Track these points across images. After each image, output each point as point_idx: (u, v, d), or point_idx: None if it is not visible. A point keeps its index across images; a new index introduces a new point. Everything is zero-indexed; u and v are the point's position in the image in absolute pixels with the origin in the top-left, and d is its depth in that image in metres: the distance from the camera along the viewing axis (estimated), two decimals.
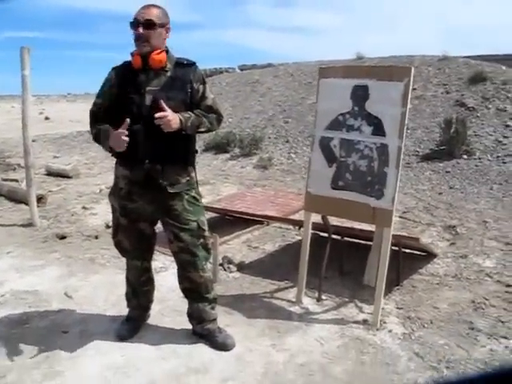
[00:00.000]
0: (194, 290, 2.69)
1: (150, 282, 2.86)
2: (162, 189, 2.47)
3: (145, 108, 2.38)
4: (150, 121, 2.31)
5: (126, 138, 2.31)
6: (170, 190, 2.48)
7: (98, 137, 2.49)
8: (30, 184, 5.06)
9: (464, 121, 7.19)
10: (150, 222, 2.66)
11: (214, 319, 2.76)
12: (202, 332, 2.75)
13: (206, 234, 2.63)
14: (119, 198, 2.58)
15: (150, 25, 2.35)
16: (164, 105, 2.32)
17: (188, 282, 2.68)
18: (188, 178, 2.56)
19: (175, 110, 2.36)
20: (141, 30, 2.33)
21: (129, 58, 2.47)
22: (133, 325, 2.83)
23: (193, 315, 2.77)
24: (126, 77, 2.44)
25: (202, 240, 2.59)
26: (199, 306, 2.71)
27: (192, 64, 2.50)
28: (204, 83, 2.52)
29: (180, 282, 2.74)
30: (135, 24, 2.35)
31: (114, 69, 2.52)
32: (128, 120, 2.31)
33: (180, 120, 2.36)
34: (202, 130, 2.52)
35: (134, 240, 2.66)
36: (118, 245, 2.74)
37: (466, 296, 3.26)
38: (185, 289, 2.74)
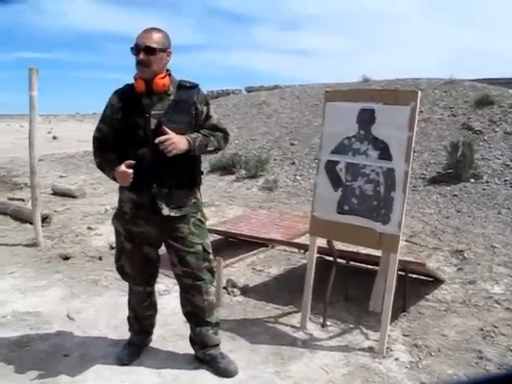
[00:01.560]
0: (197, 313, 2.64)
1: (152, 306, 2.82)
2: (162, 213, 2.45)
3: (150, 132, 2.37)
4: (156, 144, 2.30)
5: (131, 175, 2.33)
6: (177, 214, 2.47)
7: (103, 166, 2.52)
8: (35, 204, 5.06)
9: (471, 144, 7.17)
10: (155, 245, 2.63)
11: (217, 344, 2.71)
12: (205, 357, 2.70)
13: (211, 257, 2.61)
14: (124, 221, 2.56)
15: (150, 50, 2.35)
16: (167, 129, 2.32)
17: (191, 306, 2.64)
18: (194, 200, 2.55)
19: (181, 133, 2.36)
20: (141, 55, 2.34)
21: (131, 81, 2.47)
22: (134, 349, 2.79)
23: (195, 340, 2.72)
24: (129, 101, 2.44)
25: (206, 263, 2.57)
26: (202, 330, 2.66)
27: (195, 86, 2.50)
28: (207, 104, 2.53)
29: (183, 306, 2.70)
30: (136, 49, 2.36)
31: (116, 93, 2.50)
32: (133, 162, 2.33)
33: (187, 141, 2.36)
34: (210, 149, 2.52)
35: (137, 265, 2.63)
36: (120, 269, 2.71)
37: (475, 323, 3.20)
38: (187, 312, 2.70)
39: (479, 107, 8.70)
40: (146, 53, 2.34)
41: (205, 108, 2.50)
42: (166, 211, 2.44)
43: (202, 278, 2.56)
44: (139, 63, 2.36)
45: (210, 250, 2.60)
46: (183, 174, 2.47)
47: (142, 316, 2.79)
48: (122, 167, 2.32)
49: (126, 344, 2.83)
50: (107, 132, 2.50)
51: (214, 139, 2.50)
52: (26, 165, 6.84)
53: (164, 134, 2.31)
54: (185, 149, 2.35)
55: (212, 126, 2.52)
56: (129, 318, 2.84)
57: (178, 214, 2.47)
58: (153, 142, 2.32)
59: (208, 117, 2.51)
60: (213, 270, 2.63)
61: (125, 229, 2.56)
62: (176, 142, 2.31)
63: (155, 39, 2.37)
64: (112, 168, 2.40)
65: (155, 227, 2.51)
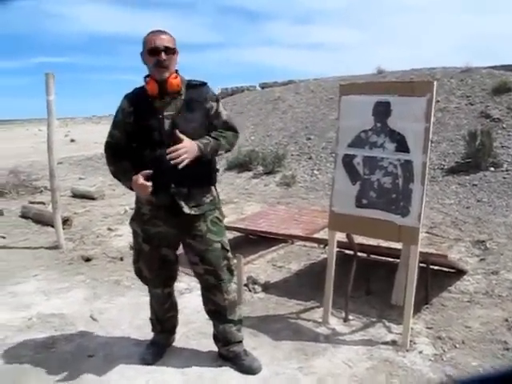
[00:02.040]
0: (219, 312, 2.66)
1: (173, 307, 2.84)
2: (183, 212, 2.46)
3: (165, 133, 2.38)
4: (173, 145, 2.31)
5: (150, 187, 2.34)
6: (196, 212, 2.48)
7: (118, 176, 2.53)
8: (55, 206, 5.13)
9: (489, 132, 7.06)
10: (173, 247, 2.64)
11: (240, 341, 2.73)
12: (228, 355, 2.71)
13: (230, 254, 2.62)
14: (142, 222, 2.57)
15: (170, 51, 2.37)
16: (179, 134, 2.32)
17: (212, 304, 2.66)
18: (211, 198, 2.57)
19: (195, 132, 2.39)
20: (164, 56, 2.35)
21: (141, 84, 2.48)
22: (157, 349, 2.81)
23: (218, 337, 2.74)
24: (140, 104, 2.44)
25: (226, 261, 2.58)
26: (225, 327, 2.68)
27: (204, 84, 2.51)
28: (217, 101, 2.54)
29: (205, 304, 2.72)
30: (156, 51, 2.35)
31: (126, 97, 2.49)
32: (149, 171, 2.34)
33: (199, 147, 2.36)
34: (221, 153, 2.52)
35: (155, 267, 2.63)
36: (138, 272, 2.73)
37: (499, 314, 3.15)
38: (210, 311, 2.71)
39: (497, 95, 8.56)
40: (166, 54, 2.36)
41: (214, 104, 2.50)
42: (186, 209, 2.46)
43: (222, 277, 2.57)
44: (159, 65, 2.36)
45: (229, 248, 2.61)
46: (200, 173, 2.47)
47: (163, 317, 2.81)
48: (141, 179, 2.32)
49: (149, 344, 2.85)
50: (120, 137, 2.50)
51: (224, 142, 2.50)
52: (45, 168, 6.94)
53: (177, 137, 2.32)
54: (196, 155, 2.35)
55: (223, 123, 2.53)
56: (151, 319, 2.86)
57: (198, 213, 2.49)
58: (168, 142, 2.33)
59: (217, 113, 2.51)
60: (232, 269, 2.63)
61: (143, 230, 2.57)
62: (188, 149, 2.31)
63: (170, 40, 2.39)
64: (128, 178, 2.40)
65: (173, 227, 2.52)
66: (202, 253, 2.54)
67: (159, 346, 2.82)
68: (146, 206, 2.53)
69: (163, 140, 2.37)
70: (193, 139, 2.36)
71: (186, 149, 2.31)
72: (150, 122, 2.40)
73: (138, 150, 2.41)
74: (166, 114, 2.40)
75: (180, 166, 2.29)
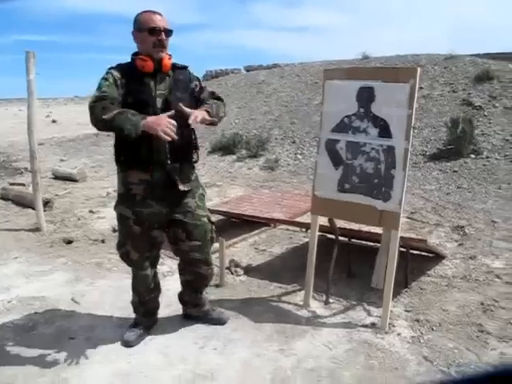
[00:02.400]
0: (198, 281, 2.84)
1: (157, 287, 2.87)
2: (178, 188, 2.53)
3: (158, 111, 2.40)
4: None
5: (175, 127, 2.27)
6: (187, 188, 2.58)
7: (118, 122, 2.24)
8: (36, 188, 5.07)
9: (471, 120, 7.14)
10: (163, 227, 2.65)
11: (208, 301, 2.99)
12: (198, 314, 2.93)
13: (213, 227, 2.76)
14: (133, 204, 2.53)
15: (169, 32, 2.45)
16: (183, 107, 2.36)
17: (192, 275, 2.81)
18: (195, 175, 2.69)
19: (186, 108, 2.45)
20: (164, 37, 2.41)
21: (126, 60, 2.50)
22: (140, 331, 2.81)
23: (189, 302, 2.93)
24: (132, 78, 2.43)
25: (210, 234, 2.72)
26: (199, 295, 2.90)
27: (186, 67, 2.61)
28: (198, 80, 2.65)
29: (182, 275, 2.86)
30: (157, 31, 2.39)
31: (116, 68, 2.44)
32: (172, 112, 2.32)
33: (206, 110, 2.43)
34: (221, 115, 2.61)
35: (145, 249, 2.64)
36: (126, 256, 2.68)
37: (475, 298, 3.23)
38: (187, 281, 2.86)
39: (479, 83, 8.64)
40: (166, 35, 2.43)
41: (197, 83, 2.62)
42: (181, 186, 2.54)
43: (207, 250, 2.73)
44: (159, 45, 2.41)
45: (213, 220, 2.76)
46: (189, 149, 2.58)
47: (147, 299, 2.83)
48: (166, 117, 2.27)
49: (131, 326, 2.85)
50: (114, 96, 2.35)
51: (221, 105, 2.63)
52: (25, 149, 6.84)
53: (181, 111, 2.36)
54: (210, 119, 2.43)
55: (209, 93, 2.65)
56: (133, 302, 2.86)
57: (189, 188, 2.59)
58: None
59: (202, 88, 2.63)
60: (213, 240, 2.78)
61: (134, 212, 2.54)
62: (201, 113, 2.37)
63: (167, 22, 2.45)
64: (136, 121, 2.23)
65: (166, 206, 2.55)
66: (191, 228, 2.62)
67: (141, 328, 2.83)
68: (139, 186, 2.50)
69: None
70: (183, 114, 2.40)
71: (200, 113, 2.36)
72: (144, 98, 2.41)
73: None
74: (158, 92, 2.45)
75: (197, 126, 2.35)
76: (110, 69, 2.45)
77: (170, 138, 2.25)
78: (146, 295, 2.81)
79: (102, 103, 2.30)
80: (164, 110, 2.39)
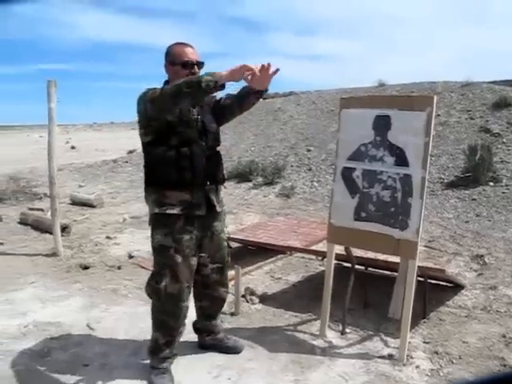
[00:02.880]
0: (215, 306, 2.85)
1: (185, 320, 2.69)
2: (215, 209, 2.58)
3: (200, 132, 2.50)
4: (206, 144, 2.50)
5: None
6: (220, 209, 2.64)
7: (190, 79, 2.25)
8: (54, 214, 5.13)
9: (489, 147, 7.09)
10: (196, 254, 2.58)
11: (223, 329, 2.99)
12: (213, 342, 2.91)
13: (229, 252, 2.81)
14: (173, 231, 2.46)
15: (201, 64, 2.51)
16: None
17: (210, 299, 2.81)
18: (222, 196, 2.72)
19: (216, 131, 2.61)
20: (197, 69, 2.47)
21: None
22: (170, 375, 2.62)
23: (203, 329, 2.92)
24: None
25: (228, 258, 2.78)
26: (212, 322, 2.89)
27: None
28: (213, 97, 2.68)
29: (199, 300, 2.83)
30: (190, 65, 2.46)
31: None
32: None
33: None
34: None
35: (187, 278, 2.53)
36: (163, 291, 2.49)
37: (497, 330, 3.14)
38: (204, 307, 2.84)
39: (497, 109, 8.61)
40: (198, 67, 2.49)
41: (214, 101, 2.67)
42: (218, 208, 2.60)
43: (226, 273, 2.79)
44: None
45: (230, 245, 2.87)
46: (222, 169, 2.66)
47: (178, 334, 2.65)
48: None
49: (160, 372, 2.60)
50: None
51: None
52: (45, 175, 6.95)
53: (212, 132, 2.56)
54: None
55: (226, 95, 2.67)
56: (157, 344, 2.62)
57: (220, 210, 2.65)
58: (201, 141, 2.49)
59: (218, 99, 2.68)
60: (228, 264, 2.81)
61: (175, 240, 2.46)
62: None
63: (198, 54, 2.52)
64: (212, 73, 2.20)
65: (201, 230, 2.56)
66: (215, 252, 2.68)
67: (171, 372, 2.63)
68: (176, 207, 2.44)
69: (198, 138, 2.49)
70: (216, 136, 2.60)
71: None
72: (187, 120, 2.47)
73: (174, 148, 2.42)
74: (195, 116, 2.52)
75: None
76: (149, 89, 2.41)
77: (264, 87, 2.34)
78: (178, 330, 2.63)
79: (158, 89, 2.33)
80: (202, 131, 2.51)
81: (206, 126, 2.54)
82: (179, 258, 2.46)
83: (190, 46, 2.50)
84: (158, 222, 2.50)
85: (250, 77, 2.23)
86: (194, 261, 2.55)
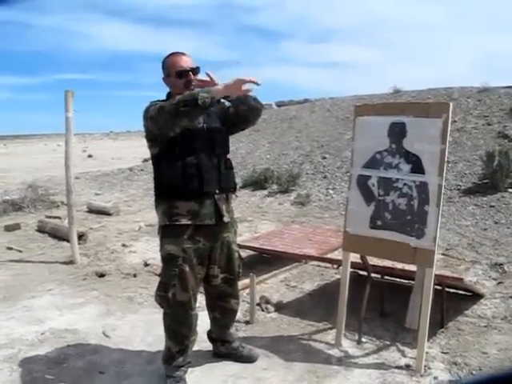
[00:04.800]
0: (227, 317, 2.83)
1: (196, 328, 2.72)
2: (221, 220, 2.54)
3: (205, 140, 2.48)
4: (213, 152, 2.48)
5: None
6: (228, 219, 2.59)
7: (187, 96, 2.29)
8: (71, 222, 5.19)
9: (507, 153, 6.98)
10: (205, 264, 2.59)
11: (237, 337, 2.98)
12: (228, 351, 2.89)
13: (241, 263, 2.78)
14: (182, 241, 2.47)
15: (195, 69, 2.51)
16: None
17: (222, 311, 2.79)
18: (232, 205, 2.69)
19: (224, 139, 2.58)
20: (193, 76, 2.48)
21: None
22: (185, 383, 2.62)
23: (218, 339, 2.90)
24: None
25: (239, 269, 2.75)
26: (227, 331, 2.87)
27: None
28: (219, 103, 2.62)
29: (212, 311, 2.83)
30: (184, 73, 2.47)
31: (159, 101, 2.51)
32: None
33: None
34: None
35: (194, 287, 2.55)
36: (171, 299, 2.51)
37: None
38: (217, 318, 2.83)
39: None
40: (194, 73, 2.50)
41: (220, 109, 2.63)
42: (226, 218, 2.56)
43: (237, 284, 2.77)
44: (189, 85, 2.46)
45: (242, 256, 2.83)
46: (233, 177, 2.64)
47: (192, 339, 2.67)
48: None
49: (174, 381, 2.60)
50: None
51: None
52: (62, 183, 7.03)
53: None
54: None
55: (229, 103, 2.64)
56: (170, 352, 2.64)
57: (229, 220, 2.60)
58: (208, 149, 2.47)
59: (226, 108, 2.64)
60: (240, 275, 2.79)
61: (183, 250, 2.47)
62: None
63: (192, 60, 2.53)
64: (205, 90, 2.29)
65: (210, 240, 2.55)
66: (225, 263, 2.65)
67: (185, 381, 2.63)
68: (185, 217, 2.45)
69: (205, 147, 2.47)
70: (224, 144, 2.58)
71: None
72: (193, 130, 2.46)
73: (180, 158, 2.42)
74: (200, 125, 2.51)
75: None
76: (153, 102, 2.47)
77: (254, 80, 2.29)
78: (190, 338, 2.64)
79: (159, 105, 2.36)
80: (208, 140, 2.48)
81: (213, 134, 2.52)
82: (187, 268, 2.48)
83: (183, 54, 2.52)
84: (166, 231, 2.53)
85: (247, 87, 2.30)
86: (201, 270, 2.56)
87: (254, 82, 2.29)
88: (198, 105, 2.22)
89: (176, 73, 2.47)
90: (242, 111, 2.58)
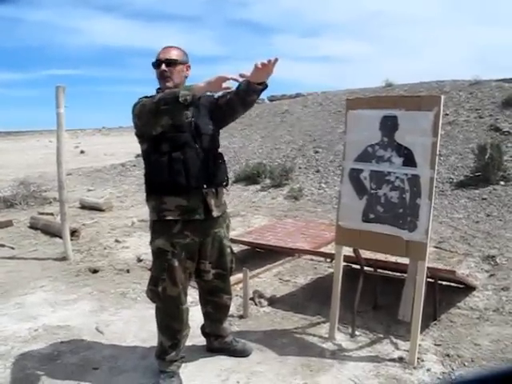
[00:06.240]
0: (220, 312, 2.84)
1: (187, 323, 2.71)
2: (212, 214, 2.53)
3: (194, 135, 2.48)
4: (201, 146, 2.46)
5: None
6: (219, 213, 2.58)
7: (167, 93, 2.31)
8: (63, 218, 5.16)
9: (499, 146, 7.01)
10: (194, 258, 2.59)
11: (230, 332, 2.98)
12: (221, 346, 2.90)
13: (234, 258, 2.78)
14: (170, 236, 2.48)
15: (171, 62, 2.47)
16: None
17: (214, 306, 2.80)
18: (224, 200, 2.68)
19: (213, 132, 2.56)
20: (163, 67, 2.45)
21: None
22: (179, 378, 2.62)
23: (211, 333, 2.91)
24: None
25: (231, 265, 2.75)
26: (221, 326, 2.88)
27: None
28: (212, 95, 2.61)
29: (204, 306, 2.84)
30: (158, 63, 2.48)
31: (147, 97, 2.49)
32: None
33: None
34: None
35: (183, 281, 2.55)
36: (162, 294, 2.52)
37: (510, 332, 3.10)
38: (209, 313, 2.84)
39: (507, 107, 8.53)
40: (167, 65, 2.46)
41: (212, 99, 2.61)
42: (215, 212, 2.55)
43: (228, 280, 2.78)
44: (162, 75, 2.47)
45: (234, 251, 2.83)
46: (223, 171, 2.61)
47: (184, 334, 2.65)
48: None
49: (167, 377, 2.59)
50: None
51: None
52: (54, 179, 6.98)
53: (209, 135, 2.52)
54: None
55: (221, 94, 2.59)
56: (164, 347, 2.63)
57: (220, 214, 2.59)
58: (195, 144, 2.46)
59: (216, 98, 2.60)
60: (232, 270, 2.80)
61: (172, 244, 2.48)
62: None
63: (174, 53, 2.50)
64: (192, 86, 2.28)
65: (199, 235, 2.54)
66: (217, 258, 2.65)
67: (179, 376, 2.64)
68: (174, 212, 2.45)
69: (192, 141, 2.46)
70: (213, 139, 2.55)
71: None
72: (182, 124, 2.45)
73: (166, 153, 2.42)
74: (188, 119, 2.49)
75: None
76: (141, 98, 2.48)
77: (236, 78, 2.27)
78: (182, 333, 2.63)
79: (141, 103, 2.38)
80: (195, 134, 2.47)
81: (200, 129, 2.50)
82: (176, 262, 2.49)
83: (171, 48, 2.52)
84: (156, 226, 2.55)
85: (227, 85, 2.28)
86: (189, 264, 2.56)
87: (235, 80, 2.29)
88: (179, 102, 2.21)
89: (152, 64, 2.50)
90: (245, 102, 2.53)
